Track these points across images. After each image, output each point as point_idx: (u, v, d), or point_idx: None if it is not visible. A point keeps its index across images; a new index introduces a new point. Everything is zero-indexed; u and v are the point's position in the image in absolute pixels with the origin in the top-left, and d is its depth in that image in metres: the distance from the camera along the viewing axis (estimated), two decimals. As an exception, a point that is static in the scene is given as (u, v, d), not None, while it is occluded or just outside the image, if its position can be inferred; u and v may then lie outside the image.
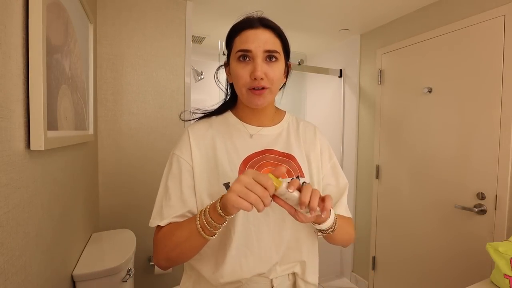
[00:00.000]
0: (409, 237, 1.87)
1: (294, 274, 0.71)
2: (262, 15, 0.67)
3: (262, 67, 0.62)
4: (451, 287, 1.61)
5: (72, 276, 1.04)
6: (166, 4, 1.71)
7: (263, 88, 0.63)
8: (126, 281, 1.20)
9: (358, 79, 2.30)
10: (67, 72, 0.92)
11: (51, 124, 0.75)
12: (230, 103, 0.77)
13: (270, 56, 0.63)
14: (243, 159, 0.67)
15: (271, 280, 0.68)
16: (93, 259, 1.17)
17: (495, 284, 0.94)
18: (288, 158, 0.70)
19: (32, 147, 0.66)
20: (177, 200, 0.64)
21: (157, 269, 1.67)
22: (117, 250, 1.28)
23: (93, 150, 1.49)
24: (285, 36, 0.68)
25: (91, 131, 1.32)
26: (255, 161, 0.68)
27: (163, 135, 1.73)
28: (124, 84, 1.63)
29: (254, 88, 0.63)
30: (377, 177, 2.12)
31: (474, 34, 1.51)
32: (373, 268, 2.16)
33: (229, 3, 1.75)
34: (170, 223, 0.63)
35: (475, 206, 1.48)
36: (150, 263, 1.71)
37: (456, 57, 1.59)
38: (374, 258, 2.15)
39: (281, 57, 0.66)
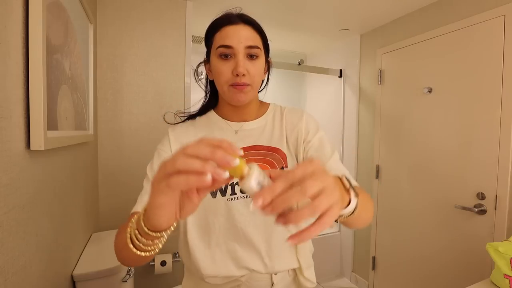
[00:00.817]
0: (409, 237, 1.87)
1: (294, 270, 0.72)
2: (241, 12, 0.67)
3: (244, 63, 0.61)
4: (451, 287, 1.61)
5: (72, 276, 1.04)
6: (166, 4, 1.71)
7: (244, 85, 0.63)
8: (126, 281, 1.20)
9: (358, 79, 2.29)
10: (67, 72, 0.92)
11: (51, 124, 0.75)
12: (212, 102, 0.76)
13: (251, 54, 0.63)
14: None
15: (271, 276, 0.68)
16: (93, 259, 1.17)
17: (495, 284, 0.94)
18: (272, 151, 0.69)
19: (32, 147, 0.66)
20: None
21: (157, 269, 1.67)
22: (117, 250, 1.28)
23: (93, 150, 1.49)
24: (264, 32, 0.68)
25: (91, 131, 1.32)
26: None
27: (163, 135, 1.73)
28: (124, 84, 1.63)
29: (236, 84, 0.62)
30: (377, 177, 2.12)
31: (474, 34, 1.51)
32: (373, 268, 2.15)
33: (229, 3, 1.75)
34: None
35: (475, 206, 1.48)
36: (150, 263, 1.70)
37: (456, 57, 1.59)
38: (374, 258, 2.15)
39: (262, 53, 0.66)
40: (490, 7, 1.43)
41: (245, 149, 0.68)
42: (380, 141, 2.10)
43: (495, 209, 1.41)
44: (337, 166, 0.65)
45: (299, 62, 2.67)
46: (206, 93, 0.77)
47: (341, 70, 2.45)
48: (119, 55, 1.61)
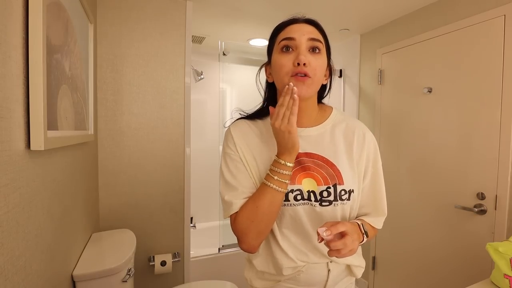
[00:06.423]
0: (409, 237, 1.87)
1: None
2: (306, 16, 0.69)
3: (306, 54, 0.63)
4: (451, 287, 1.61)
5: (72, 276, 1.04)
6: (166, 4, 1.71)
7: (306, 76, 0.62)
8: (126, 281, 1.20)
9: (358, 79, 2.29)
10: (67, 72, 0.92)
11: (51, 124, 0.75)
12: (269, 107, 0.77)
13: (313, 47, 0.64)
14: None
15: (327, 264, 0.72)
16: (93, 259, 1.17)
17: (495, 284, 0.94)
18: (327, 164, 0.69)
19: (32, 147, 0.66)
20: (239, 186, 0.69)
21: (157, 269, 1.67)
22: (117, 250, 1.28)
23: (93, 150, 1.49)
24: (326, 36, 0.70)
25: (91, 131, 1.32)
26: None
27: (163, 135, 1.73)
28: (124, 84, 1.63)
29: (297, 75, 0.63)
30: (377, 177, 2.12)
31: (474, 34, 1.51)
32: (373, 268, 2.15)
33: (229, 3, 1.75)
34: (242, 206, 0.67)
35: (475, 206, 1.48)
36: (150, 263, 1.70)
37: (456, 57, 1.59)
38: (374, 258, 2.15)
39: (324, 50, 0.67)
40: (490, 7, 1.43)
41: (300, 155, 0.69)
42: (380, 141, 2.10)
43: (495, 209, 1.41)
44: (382, 196, 0.75)
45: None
46: (264, 98, 0.77)
47: (341, 70, 2.45)
48: (119, 55, 1.61)
